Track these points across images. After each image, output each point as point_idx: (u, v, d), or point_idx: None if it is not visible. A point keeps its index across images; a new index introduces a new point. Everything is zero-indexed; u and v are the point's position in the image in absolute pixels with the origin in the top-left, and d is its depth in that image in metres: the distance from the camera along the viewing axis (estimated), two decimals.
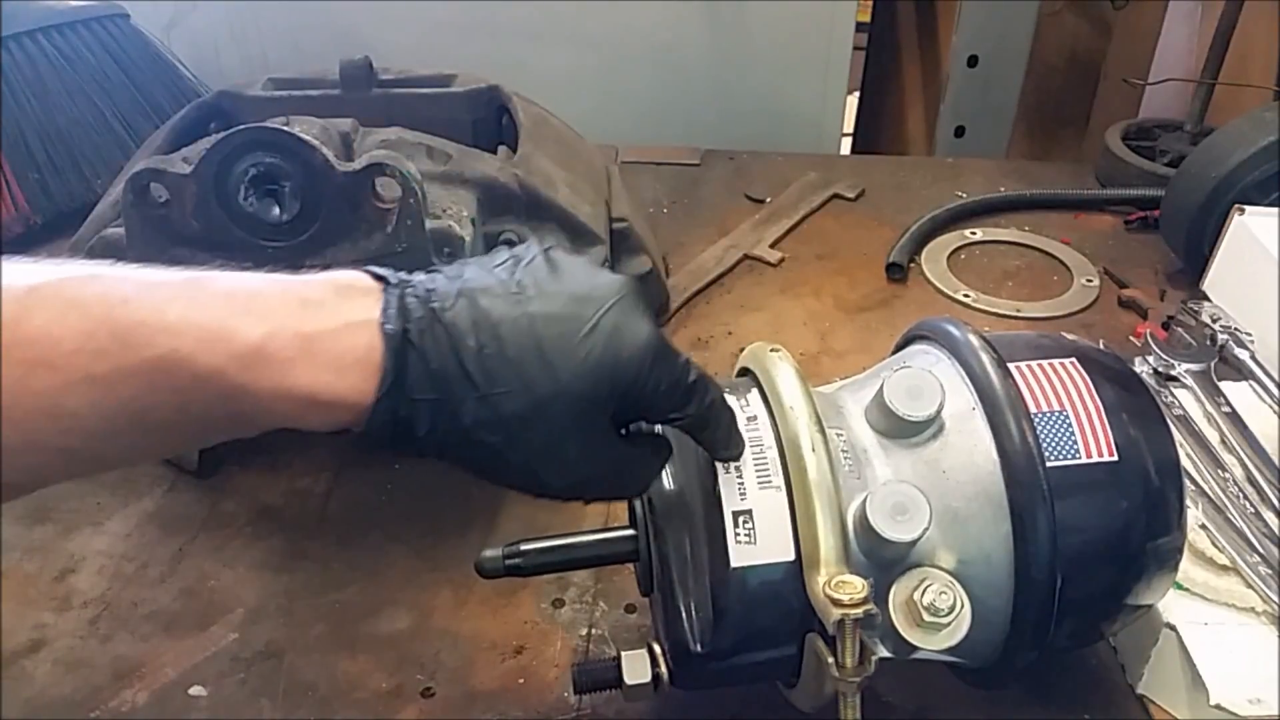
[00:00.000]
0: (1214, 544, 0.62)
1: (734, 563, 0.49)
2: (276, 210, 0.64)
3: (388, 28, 1.32)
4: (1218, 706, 0.54)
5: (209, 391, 0.41)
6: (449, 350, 0.43)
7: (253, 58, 1.36)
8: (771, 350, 0.55)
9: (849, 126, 1.79)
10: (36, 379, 0.39)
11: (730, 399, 0.54)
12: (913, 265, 1.03)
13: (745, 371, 0.57)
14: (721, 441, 0.50)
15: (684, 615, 0.51)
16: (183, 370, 0.40)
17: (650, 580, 0.54)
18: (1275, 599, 0.58)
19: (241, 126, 0.65)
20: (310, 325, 0.42)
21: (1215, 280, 0.93)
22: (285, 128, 0.65)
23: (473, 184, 0.73)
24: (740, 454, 0.50)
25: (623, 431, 0.49)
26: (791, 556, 0.49)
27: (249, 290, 0.43)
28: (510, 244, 0.74)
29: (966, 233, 1.09)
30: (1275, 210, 0.91)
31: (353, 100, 0.86)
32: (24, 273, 0.40)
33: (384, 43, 1.29)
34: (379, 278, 0.45)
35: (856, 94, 1.88)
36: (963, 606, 0.48)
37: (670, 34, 1.33)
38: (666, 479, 0.51)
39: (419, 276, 0.46)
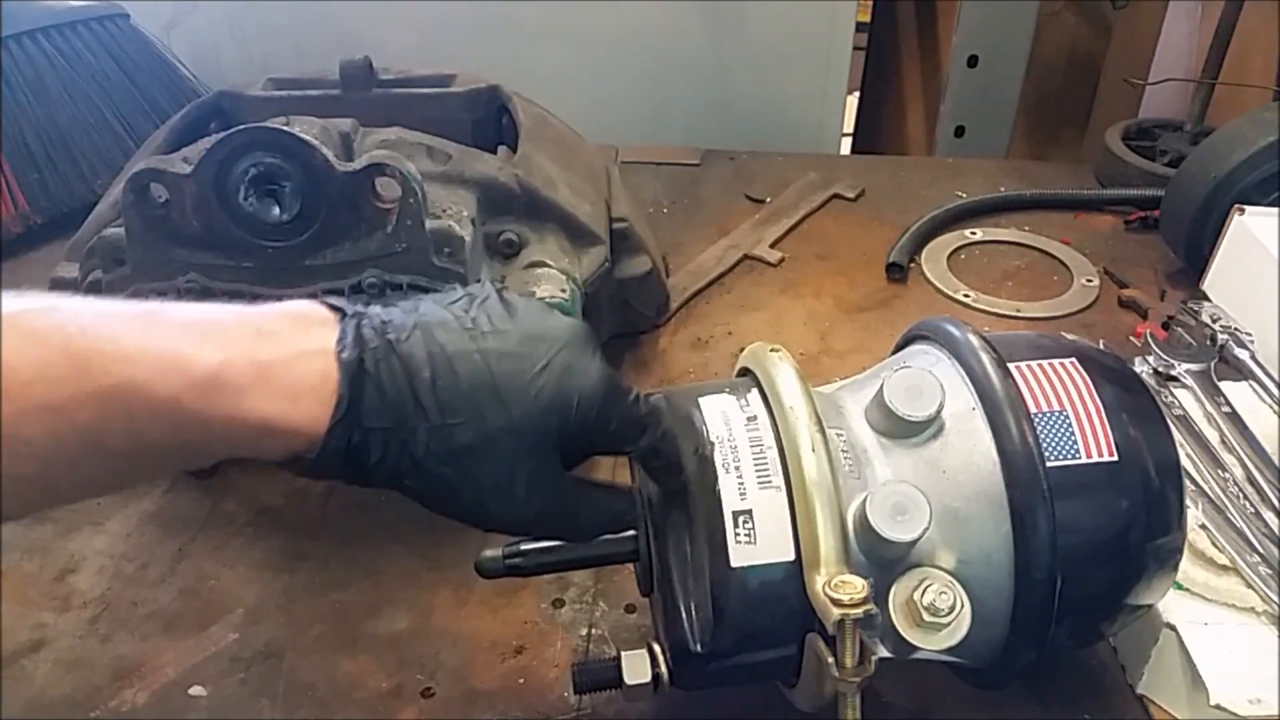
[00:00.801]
0: (1214, 544, 0.62)
1: (734, 563, 0.49)
2: (276, 210, 0.64)
3: (388, 28, 1.32)
4: (1218, 706, 0.54)
5: (165, 419, 0.41)
6: (403, 380, 0.44)
7: (253, 58, 1.36)
8: (771, 350, 0.55)
9: (849, 126, 1.80)
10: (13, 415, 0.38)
11: (730, 399, 0.54)
12: (913, 265, 1.03)
13: (745, 372, 0.57)
14: (669, 470, 0.51)
15: (684, 615, 0.51)
16: (139, 397, 0.40)
17: (650, 580, 0.54)
18: (1275, 599, 0.58)
19: (241, 126, 0.65)
20: (266, 353, 0.43)
21: (1215, 280, 0.93)
22: (285, 128, 0.65)
23: (473, 184, 0.73)
24: (682, 484, 0.51)
25: (575, 472, 0.50)
26: (791, 556, 0.49)
27: (205, 319, 0.44)
28: (510, 244, 0.75)
29: (966, 233, 1.09)
30: (1275, 210, 0.91)
31: (353, 100, 0.86)
32: None
33: (384, 43, 1.29)
34: (334, 308, 0.46)
35: (856, 94, 1.88)
36: (963, 607, 0.48)
37: (670, 34, 1.33)
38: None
39: (374, 309, 0.47)
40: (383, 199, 0.66)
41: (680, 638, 0.51)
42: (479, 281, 0.53)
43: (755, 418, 0.52)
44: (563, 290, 0.71)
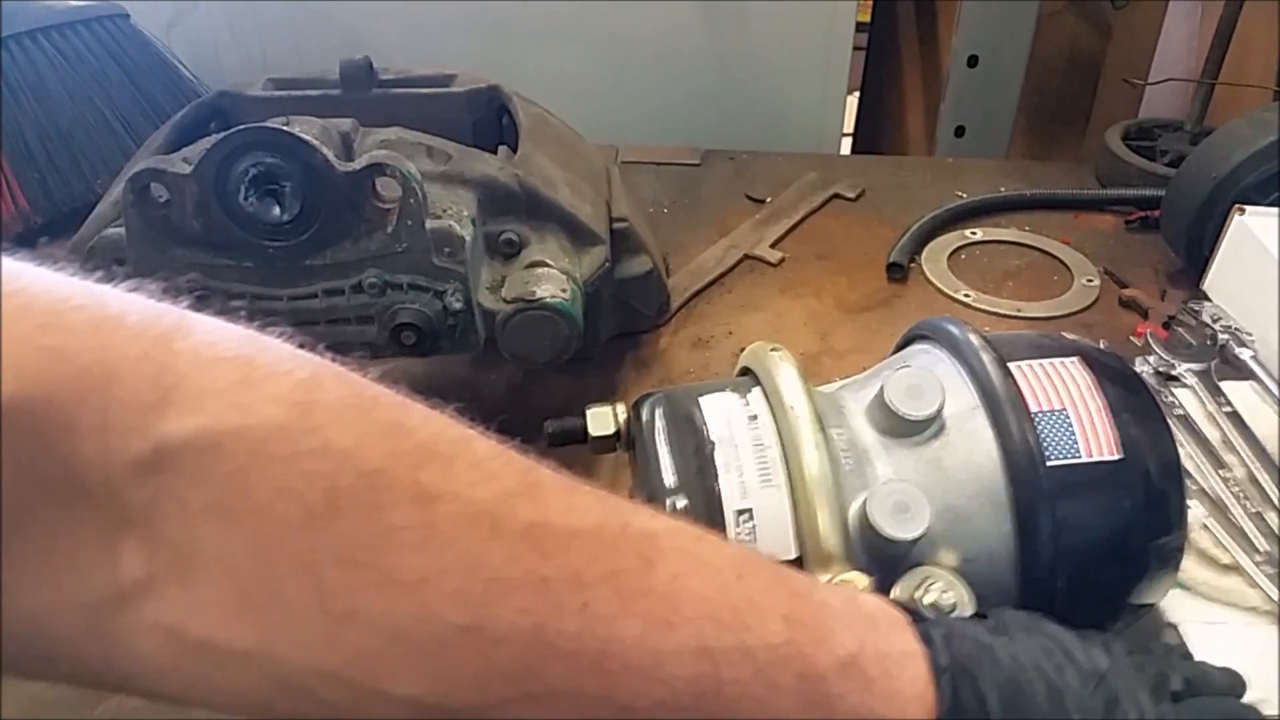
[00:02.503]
0: (1216, 543, 0.62)
1: None
2: (277, 210, 0.64)
3: (388, 28, 1.32)
4: None
5: (804, 693, 0.37)
6: (975, 701, 0.40)
7: (253, 58, 1.36)
8: (772, 350, 0.55)
9: (849, 126, 1.80)
10: (655, 638, 0.35)
11: (731, 397, 0.54)
12: (913, 265, 1.03)
13: (746, 371, 0.57)
14: None
15: None
16: (795, 663, 0.37)
17: None
18: (1278, 598, 0.58)
19: (242, 126, 0.64)
20: (881, 645, 0.40)
21: (1215, 280, 0.93)
22: (285, 128, 0.65)
23: (473, 184, 0.73)
24: None
25: None
26: (793, 554, 0.49)
27: (814, 590, 0.41)
28: (510, 244, 0.75)
29: (967, 233, 1.09)
30: (1275, 210, 0.91)
31: (353, 100, 0.86)
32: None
33: (384, 43, 1.29)
34: (901, 606, 0.44)
35: (857, 94, 1.88)
36: (965, 605, 0.48)
37: (670, 33, 1.33)
38: (668, 476, 0.51)
39: (948, 620, 0.44)
40: (383, 199, 0.66)
41: None
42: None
43: (756, 417, 0.52)
44: (563, 290, 0.71)
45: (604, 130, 1.27)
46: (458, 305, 0.70)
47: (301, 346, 0.37)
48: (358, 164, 0.65)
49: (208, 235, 0.65)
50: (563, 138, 0.86)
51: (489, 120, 0.91)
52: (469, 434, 0.36)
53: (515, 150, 0.81)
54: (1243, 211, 0.90)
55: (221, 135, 0.64)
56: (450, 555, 0.33)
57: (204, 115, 0.90)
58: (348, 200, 0.65)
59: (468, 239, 0.69)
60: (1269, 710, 0.53)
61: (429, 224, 0.66)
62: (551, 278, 0.71)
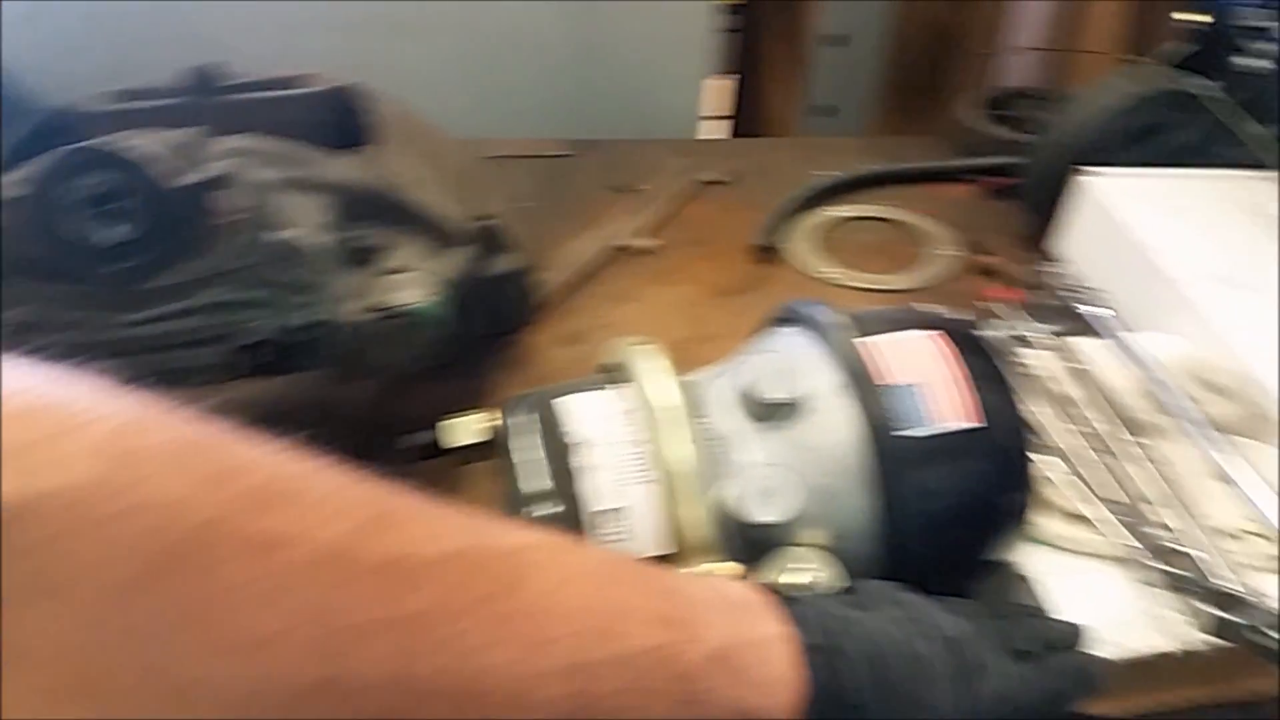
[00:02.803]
0: (1069, 496, 0.64)
1: None
2: (115, 231, 0.61)
3: (245, 31, 1.27)
4: None
5: (676, 692, 0.37)
6: (846, 674, 0.41)
7: (103, 67, 1.29)
8: (638, 344, 0.55)
9: (723, 109, 1.81)
10: (527, 662, 0.34)
11: (598, 395, 0.54)
12: (782, 246, 1.05)
13: (612, 368, 0.57)
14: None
15: None
16: (669, 663, 0.37)
17: None
18: (1128, 544, 0.61)
19: (74, 144, 0.61)
20: (749, 632, 0.41)
21: (1066, 242, 0.97)
22: (120, 143, 0.62)
23: (327, 189, 0.71)
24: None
25: None
26: (669, 549, 0.49)
27: (678, 583, 0.41)
28: (370, 249, 0.73)
29: (832, 210, 1.11)
30: (1115, 171, 0.95)
31: (199, 108, 0.83)
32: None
33: (242, 46, 1.24)
34: (771, 590, 0.44)
35: (729, 77, 1.89)
36: (835, 582, 0.49)
37: (532, 23, 1.32)
38: (537, 480, 0.51)
39: (809, 596, 0.45)
40: (230, 212, 0.64)
41: None
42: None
43: (624, 413, 0.53)
44: (428, 294, 0.69)
45: (470, 125, 1.25)
46: (313, 318, 0.68)
47: (131, 380, 0.33)
48: (201, 176, 0.62)
49: (44, 262, 0.62)
50: (424, 135, 0.85)
51: (346, 121, 0.88)
52: (313, 467, 0.34)
53: (373, 151, 0.79)
54: (1088, 174, 0.94)
55: (53, 155, 0.61)
56: (298, 607, 0.31)
57: (44, 132, 0.85)
58: (190, 216, 0.62)
59: (324, 248, 0.67)
60: (1124, 649, 0.56)
61: (277, 235, 0.64)
62: (415, 282, 0.70)
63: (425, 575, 0.33)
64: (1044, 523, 0.63)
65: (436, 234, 0.75)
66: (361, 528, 0.33)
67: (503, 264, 0.83)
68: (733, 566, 0.48)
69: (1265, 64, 0.92)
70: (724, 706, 0.39)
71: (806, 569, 0.49)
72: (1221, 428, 0.69)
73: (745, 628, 0.41)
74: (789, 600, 0.43)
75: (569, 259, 1.01)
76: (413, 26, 1.30)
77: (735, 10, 1.73)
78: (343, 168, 0.73)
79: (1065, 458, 0.67)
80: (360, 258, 0.72)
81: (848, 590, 0.47)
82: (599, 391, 0.54)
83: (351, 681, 0.31)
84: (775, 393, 0.52)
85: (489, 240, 0.82)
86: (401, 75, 1.30)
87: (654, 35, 1.34)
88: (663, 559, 0.49)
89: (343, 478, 0.35)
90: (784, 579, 0.49)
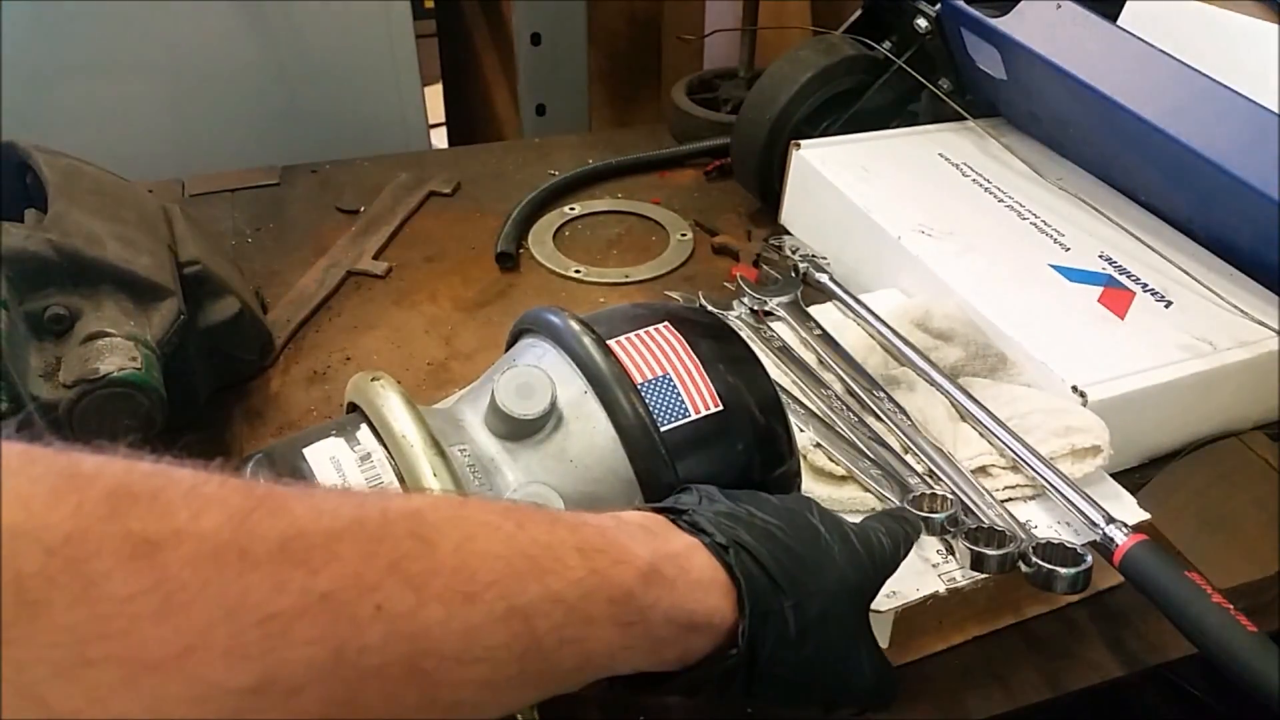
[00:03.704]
0: (829, 458, 0.66)
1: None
2: None
3: None
4: None
5: (617, 616, 0.38)
6: (753, 563, 0.43)
7: None
8: (374, 379, 0.52)
9: (438, 118, 1.77)
10: (461, 616, 0.33)
11: (338, 441, 0.50)
12: (522, 251, 1.03)
13: (354, 407, 0.53)
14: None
15: None
16: (601, 593, 0.37)
17: None
18: (890, 497, 0.63)
19: None
20: (669, 547, 0.42)
21: (788, 213, 1.01)
22: None
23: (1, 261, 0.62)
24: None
25: None
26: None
27: (589, 518, 0.41)
28: (59, 319, 0.65)
29: (565, 209, 1.10)
30: (824, 141, 1.00)
31: None
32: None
33: None
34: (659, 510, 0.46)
35: (440, 84, 1.85)
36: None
37: (217, 49, 1.23)
38: None
39: (684, 503, 0.47)
40: None
41: None
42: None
43: (369, 455, 0.49)
44: (133, 359, 0.63)
45: (164, 166, 1.15)
46: (14, 402, 0.60)
47: None
48: None
49: None
50: (102, 186, 0.76)
51: (9, 183, 0.78)
52: (162, 466, 0.30)
53: (45, 211, 0.70)
54: (799, 146, 0.98)
55: None
56: (203, 607, 0.27)
57: None
58: None
59: (4, 327, 0.59)
60: (903, 601, 0.58)
61: None
62: (116, 348, 0.63)
63: (327, 550, 0.31)
64: (811, 486, 0.64)
65: (133, 291, 0.68)
66: (244, 512, 0.30)
67: (219, 310, 0.77)
68: None
69: (925, 24, 0.99)
70: (668, 619, 0.40)
71: None
72: (955, 372, 0.74)
73: (661, 543, 0.42)
74: (678, 513, 0.45)
75: (300, 292, 0.95)
76: (95, 66, 1.18)
77: (424, 14, 1.69)
78: (12, 235, 0.65)
79: (824, 421, 0.69)
80: (51, 329, 0.64)
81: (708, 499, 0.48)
82: (338, 437, 0.50)
83: (289, 674, 0.28)
84: (526, 409, 0.50)
85: (199, 287, 0.75)
86: (88, 120, 1.19)
87: (358, 45, 1.28)
88: None
89: (198, 471, 0.31)
90: None
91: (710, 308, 0.80)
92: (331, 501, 0.33)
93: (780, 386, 0.66)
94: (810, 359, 0.76)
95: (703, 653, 0.42)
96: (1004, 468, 0.67)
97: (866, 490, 0.65)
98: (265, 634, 0.28)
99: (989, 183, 0.95)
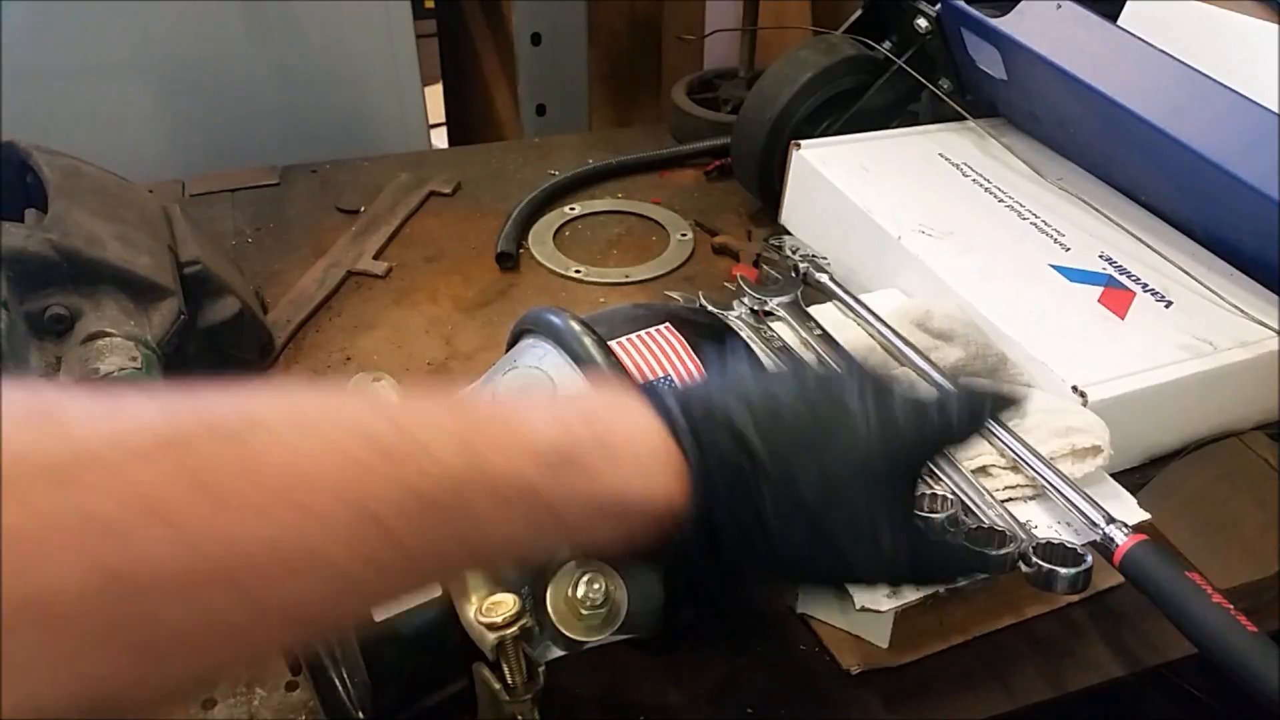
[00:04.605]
0: None
1: (378, 616, 0.45)
2: None
3: None
4: (863, 609, 0.59)
5: (515, 508, 0.35)
6: (729, 438, 0.40)
7: None
8: (374, 380, 0.52)
9: (439, 118, 1.77)
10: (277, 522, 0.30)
11: None
12: (522, 251, 1.03)
13: None
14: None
15: (339, 686, 0.47)
16: (480, 486, 0.34)
17: (294, 658, 0.49)
18: None
19: None
20: (601, 426, 0.39)
21: (788, 213, 1.01)
22: None
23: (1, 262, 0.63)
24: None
25: None
26: (438, 592, 0.46)
27: (524, 404, 0.40)
28: (59, 319, 0.65)
29: (566, 209, 1.10)
30: (825, 140, 1.00)
31: None
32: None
33: None
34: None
35: (440, 84, 1.85)
36: (615, 591, 0.48)
37: (218, 49, 1.23)
38: None
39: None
40: None
41: (342, 711, 0.47)
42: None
43: None
44: (133, 359, 0.63)
45: (167, 165, 1.15)
46: None
47: None
48: None
49: None
50: (102, 186, 0.76)
51: (10, 183, 0.78)
52: None
53: (45, 211, 0.70)
54: (799, 146, 0.98)
55: None
56: None
57: None
58: None
59: (2, 326, 0.59)
60: (904, 600, 0.58)
61: None
62: (116, 348, 0.63)
63: (101, 470, 0.28)
64: None
65: (133, 291, 0.68)
66: (6, 435, 0.27)
67: (220, 310, 0.77)
68: (508, 598, 0.46)
69: (925, 23, 0.99)
70: (590, 505, 0.37)
71: (586, 580, 0.48)
72: (955, 372, 0.74)
73: (592, 424, 0.39)
74: (647, 390, 0.43)
75: (300, 292, 0.95)
76: (102, 68, 1.18)
77: (425, 14, 1.69)
78: (12, 235, 0.65)
79: None
80: (52, 329, 0.64)
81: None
82: None
83: (51, 596, 0.26)
84: None
85: (199, 287, 0.75)
86: (93, 121, 1.19)
87: (358, 45, 1.28)
88: (436, 600, 0.46)
89: None
90: (580, 592, 0.47)
91: (710, 308, 0.80)
92: (139, 409, 0.31)
93: None
94: (810, 359, 0.76)
95: (652, 534, 0.40)
96: (1004, 467, 0.67)
97: None
98: (18, 555, 0.26)
99: (989, 183, 0.95)
